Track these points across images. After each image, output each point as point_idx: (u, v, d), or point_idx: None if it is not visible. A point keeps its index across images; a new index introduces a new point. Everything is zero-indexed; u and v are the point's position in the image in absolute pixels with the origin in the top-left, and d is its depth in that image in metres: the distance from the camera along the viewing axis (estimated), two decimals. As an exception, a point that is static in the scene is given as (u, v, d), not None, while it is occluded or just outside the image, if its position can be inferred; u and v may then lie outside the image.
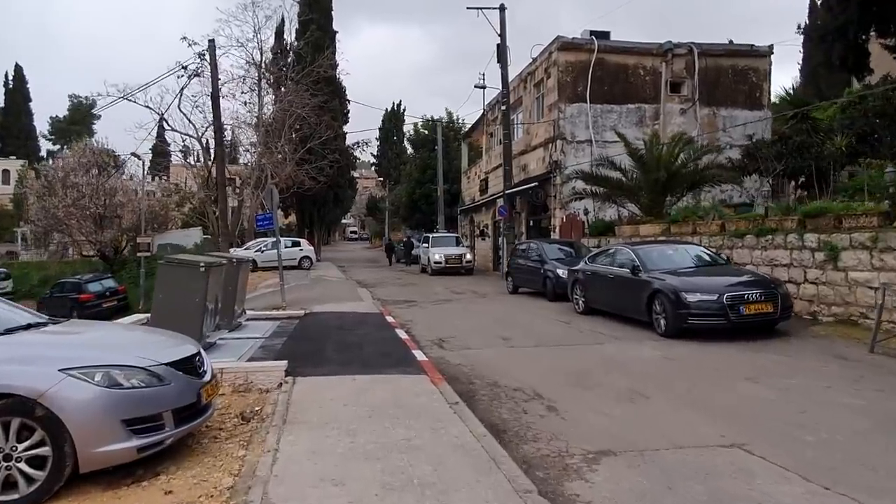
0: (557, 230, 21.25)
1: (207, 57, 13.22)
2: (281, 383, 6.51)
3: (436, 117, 44.99)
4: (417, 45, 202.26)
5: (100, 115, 75.16)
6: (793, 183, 18.58)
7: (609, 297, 11.68)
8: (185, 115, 30.90)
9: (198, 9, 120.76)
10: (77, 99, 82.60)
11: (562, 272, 15.10)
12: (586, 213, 19.49)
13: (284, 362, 6.87)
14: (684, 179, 16.02)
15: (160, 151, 40.91)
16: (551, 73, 21.94)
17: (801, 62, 36.61)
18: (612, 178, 17.15)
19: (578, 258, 16.00)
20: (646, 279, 10.34)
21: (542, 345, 9.41)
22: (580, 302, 12.77)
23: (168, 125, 30.40)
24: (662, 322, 9.74)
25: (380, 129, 67.99)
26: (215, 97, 13.56)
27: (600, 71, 21.40)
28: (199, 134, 31.74)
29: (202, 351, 5.06)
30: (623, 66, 21.64)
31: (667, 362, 7.94)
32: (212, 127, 31.40)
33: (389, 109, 69.14)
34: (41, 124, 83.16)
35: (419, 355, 8.14)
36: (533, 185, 21.67)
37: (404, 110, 68.80)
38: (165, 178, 49.35)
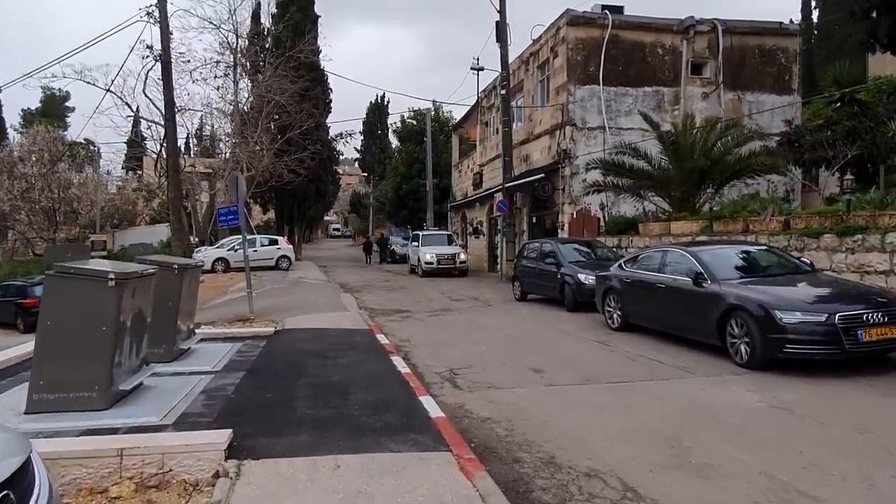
0: (566, 228, 18.90)
1: (156, 12, 10.78)
2: (218, 472, 4.03)
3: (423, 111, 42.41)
4: (403, 45, 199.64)
5: (74, 108, 71.35)
6: (837, 174, 16.39)
7: (658, 312, 9.31)
8: (150, 99, 28.13)
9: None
10: (50, 90, 78.88)
11: (584, 277, 12.76)
12: (602, 207, 17.15)
13: (226, 434, 4.37)
14: (725, 169, 13.71)
15: (132, 142, 37.88)
16: (559, 52, 19.56)
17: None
18: (638, 168, 14.81)
19: (600, 260, 13.73)
20: (716, 291, 7.98)
21: (590, 380, 7.00)
22: (615, 316, 10.40)
23: (132, 110, 27.61)
24: (744, 349, 7.39)
25: (364, 122, 65.32)
26: (166, 62, 11.02)
27: (614, 49, 19.08)
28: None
29: (33, 461, 2.56)
30: (639, 44, 19.33)
31: (785, 417, 5.57)
32: (183, 113, 29.02)
33: (373, 102, 66.50)
34: (13, 117, 79.03)
35: (430, 406, 5.67)
36: (538, 177, 19.28)
37: (388, 103, 66.16)
38: (140, 171, 46.28)
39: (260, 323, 11.41)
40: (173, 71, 31.54)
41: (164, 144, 10.85)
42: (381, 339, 9.59)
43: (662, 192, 14.65)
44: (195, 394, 6.06)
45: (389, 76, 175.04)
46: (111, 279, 5.25)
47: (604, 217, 17.21)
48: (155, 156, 31.97)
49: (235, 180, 11.58)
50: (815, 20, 35.09)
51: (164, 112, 10.79)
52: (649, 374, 7.31)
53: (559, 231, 19.32)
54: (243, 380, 6.70)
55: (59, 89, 65.85)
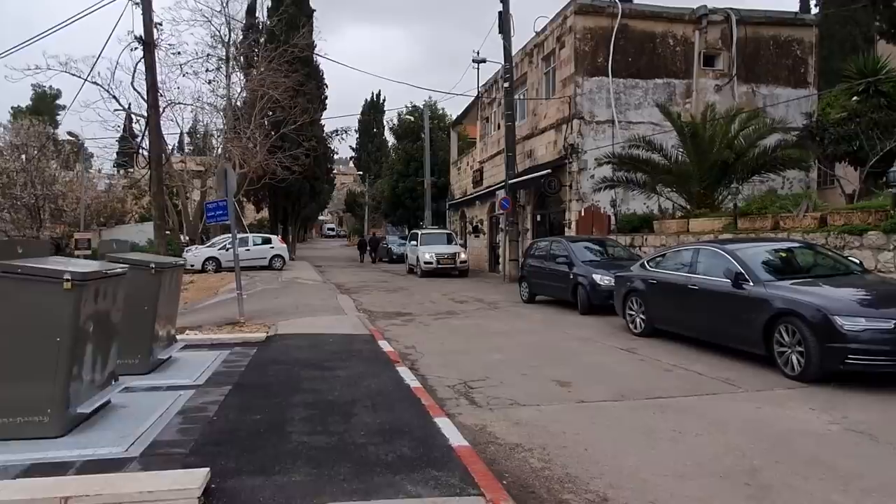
0: (573, 226, 18.05)
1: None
2: (189, 528, 3.14)
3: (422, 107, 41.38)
4: (399, 46, 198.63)
5: (65, 106, 70.02)
6: (858, 169, 15.61)
7: (690, 317, 8.45)
8: (139, 93, 27.15)
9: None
10: (41, 88, 77.53)
11: (599, 278, 11.92)
12: (614, 204, 16.30)
13: (201, 475, 3.47)
14: (750, 162, 12.89)
15: (124, 139, 36.77)
16: (566, 42, 18.72)
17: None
18: (654, 162, 13.96)
19: (614, 259, 12.92)
20: (759, 294, 7.13)
21: (625, 396, 6.14)
22: (637, 320, 9.55)
23: (120, 105, 26.62)
24: (795, 360, 6.54)
25: (359, 120, 64.24)
26: (149, 42, 10.09)
27: (623, 39, 18.25)
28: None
29: None
30: (650, 34, 18.51)
31: (867, 444, 4.72)
32: (172, 107, 28.04)
33: (369, 100, 65.48)
34: (2, 114, 77.71)
35: (450, 431, 4.79)
36: (545, 172, 18.42)
37: (384, 101, 65.12)
38: (132, 169, 45.15)
39: (251, 327, 10.52)
40: (164, 65, 30.64)
41: (147, 134, 9.90)
42: (384, 345, 8.70)
43: (680, 187, 13.81)
44: (171, 415, 5.16)
45: (387, 74, 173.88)
46: (67, 280, 4.36)
47: (614, 214, 16.37)
48: (144, 148, 31.07)
49: (224, 173, 10.67)
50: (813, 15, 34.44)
51: (147, 98, 9.84)
52: (690, 387, 6.45)
53: (566, 229, 18.47)
54: (229, 397, 5.80)
55: (50, 87, 64.68)
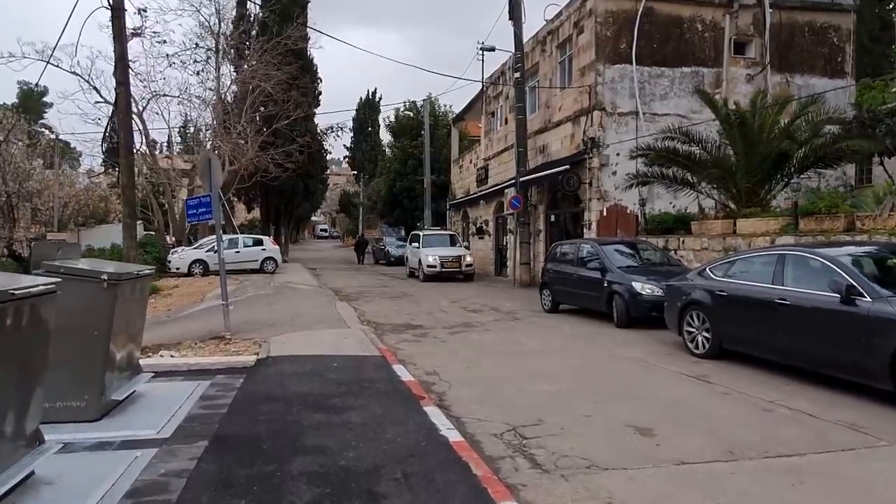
0: (594, 227, 16.52)
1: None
2: None
3: (417, 111, 39.65)
4: (395, 48, 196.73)
5: (52, 104, 67.88)
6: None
7: (777, 339, 6.89)
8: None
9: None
10: (27, 85, 75.65)
11: (640, 286, 10.41)
12: (643, 203, 14.78)
13: None
14: (811, 155, 11.40)
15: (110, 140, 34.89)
16: (585, 27, 17.20)
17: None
18: (695, 156, 12.45)
19: (654, 265, 11.43)
20: (883, 313, 5.62)
21: (735, 453, 4.58)
22: (700, 339, 8.01)
23: (102, 97, 24.88)
24: (946, 399, 5.02)
25: (353, 118, 62.52)
26: (117, 6, 8.49)
27: (648, 24, 16.77)
28: (140, 108, 26.40)
29: None
30: (677, 18, 17.03)
31: None
32: (158, 99, 26.36)
33: (364, 98, 63.79)
34: (-11, 113, 75.37)
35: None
36: (563, 168, 16.87)
37: (380, 99, 63.44)
38: (116, 168, 43.26)
39: (238, 345, 8.92)
40: (149, 55, 28.79)
41: (116, 116, 8.28)
42: (401, 371, 7.12)
43: (723, 183, 12.30)
44: (115, 498, 3.56)
45: (380, 77, 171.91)
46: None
47: (642, 214, 14.85)
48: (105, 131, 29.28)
49: (208, 162, 9.06)
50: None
51: (115, 72, 8.21)
52: (813, 438, 4.91)
53: (585, 231, 16.94)
54: (202, 462, 4.19)
55: (37, 84, 62.62)
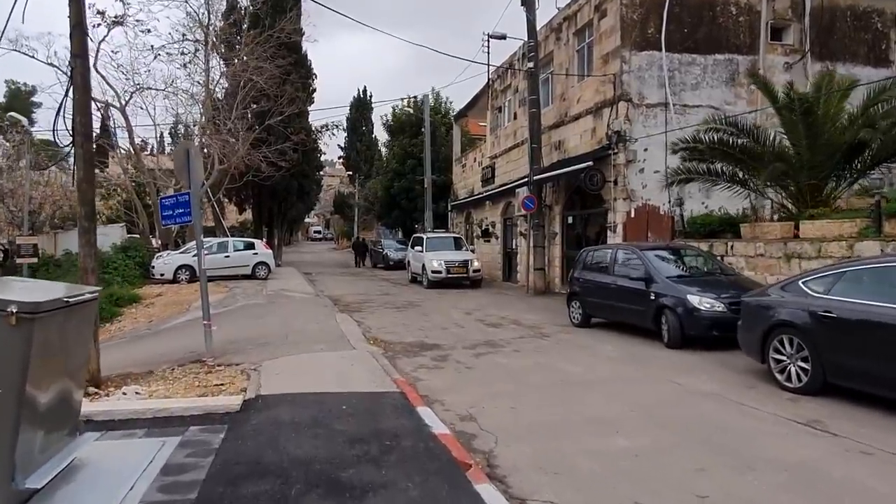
0: (620, 229, 14.99)
1: None
2: None
3: (417, 107, 37.96)
4: (391, 51, 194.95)
5: (41, 103, 65.85)
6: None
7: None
8: (102, 76, 23.81)
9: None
10: (15, 85, 73.72)
11: (698, 301, 8.87)
12: (680, 203, 13.25)
13: None
14: (890, 146, 9.89)
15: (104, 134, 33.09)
16: (608, 10, 15.68)
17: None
18: (749, 149, 10.92)
19: (706, 274, 9.91)
20: None
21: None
22: (793, 370, 6.47)
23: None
24: None
25: (347, 118, 60.74)
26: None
27: (678, 6, 15.27)
28: (123, 102, 24.71)
29: None
30: (709, 1, 15.53)
31: None
32: (142, 92, 24.68)
33: (356, 97, 62.07)
34: (-26, 112, 73.18)
35: None
36: (584, 165, 15.32)
37: (371, 97, 61.70)
38: (105, 168, 41.41)
39: (221, 373, 7.36)
40: (133, 47, 27.01)
41: (71, 93, 6.67)
42: (429, 417, 5.53)
43: (781, 180, 10.77)
44: None
45: (376, 79, 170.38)
46: None
47: (680, 215, 13.32)
48: (109, 145, 27.66)
49: (185, 153, 7.47)
50: None
51: (71, 45, 6.59)
52: None
53: (609, 234, 15.41)
54: None
55: (25, 83, 60.68)
